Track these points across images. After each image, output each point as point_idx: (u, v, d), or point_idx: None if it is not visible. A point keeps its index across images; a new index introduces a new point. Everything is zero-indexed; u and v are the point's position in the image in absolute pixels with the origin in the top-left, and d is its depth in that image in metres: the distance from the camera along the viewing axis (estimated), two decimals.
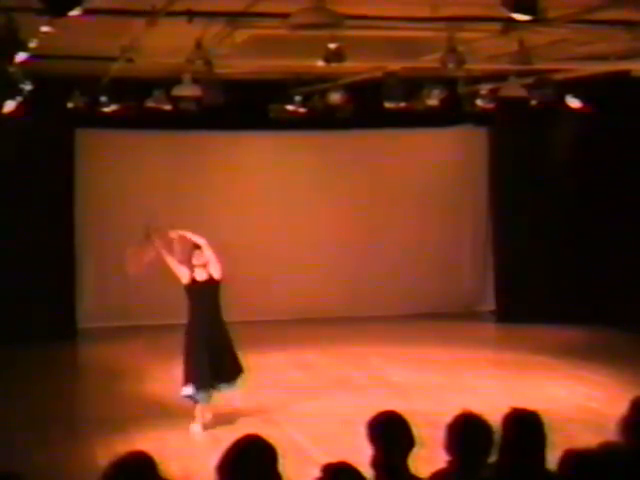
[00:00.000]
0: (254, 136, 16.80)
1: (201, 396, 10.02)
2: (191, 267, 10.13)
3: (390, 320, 16.62)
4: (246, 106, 15.08)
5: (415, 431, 4.78)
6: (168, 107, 14.00)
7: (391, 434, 4.76)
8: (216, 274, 10.12)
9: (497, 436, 4.73)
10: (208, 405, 10.20)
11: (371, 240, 17.25)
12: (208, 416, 10.18)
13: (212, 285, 10.11)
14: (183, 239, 10.31)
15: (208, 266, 10.11)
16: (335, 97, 14.07)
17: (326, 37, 9.05)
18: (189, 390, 10.00)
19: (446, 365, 13.32)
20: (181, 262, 10.16)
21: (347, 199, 17.19)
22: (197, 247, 10.15)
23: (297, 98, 14.93)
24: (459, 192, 17.56)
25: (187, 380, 10.02)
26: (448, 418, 4.85)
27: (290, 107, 15.02)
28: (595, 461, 4.26)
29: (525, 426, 4.68)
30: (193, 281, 10.09)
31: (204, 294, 10.08)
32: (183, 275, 10.13)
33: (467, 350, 14.28)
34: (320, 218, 17.15)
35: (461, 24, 9.30)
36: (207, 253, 10.11)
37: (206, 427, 10.08)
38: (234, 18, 8.95)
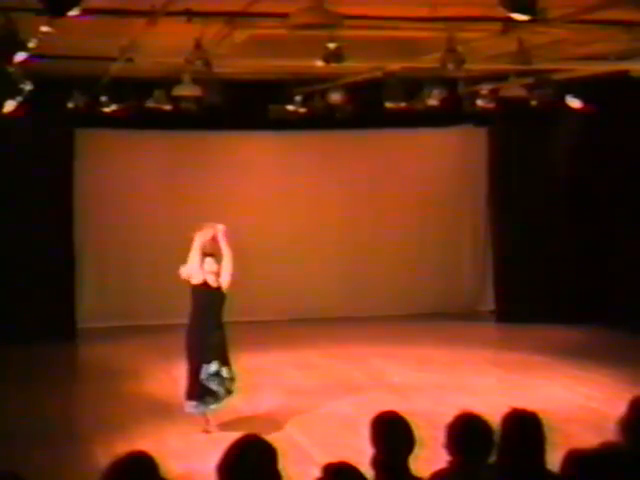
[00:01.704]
0: (254, 136, 16.81)
1: (201, 408, 9.96)
2: (202, 272, 10.00)
3: (390, 320, 16.61)
4: (246, 106, 15.09)
5: (415, 431, 4.78)
6: (168, 107, 14.00)
7: (393, 435, 4.76)
8: (224, 285, 10.01)
9: (497, 436, 4.73)
10: (213, 413, 10.09)
11: (371, 240, 17.26)
12: (213, 427, 10.06)
13: (220, 293, 10.00)
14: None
15: (219, 275, 9.98)
16: (335, 97, 14.07)
17: (325, 37, 9.04)
18: (191, 406, 9.96)
19: (446, 365, 13.32)
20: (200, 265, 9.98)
21: (347, 199, 17.20)
22: (209, 255, 10.00)
23: (297, 98, 14.94)
24: (459, 192, 17.56)
25: (189, 396, 9.98)
26: (448, 418, 4.85)
27: (290, 107, 15.03)
28: (598, 461, 4.26)
29: (524, 426, 4.68)
30: (204, 283, 9.94)
31: (211, 299, 9.95)
32: (196, 275, 9.94)
33: (467, 350, 14.28)
34: (320, 218, 17.15)
35: (461, 24, 9.30)
36: (224, 262, 9.97)
37: (208, 432, 10.04)
38: (233, 18, 8.95)
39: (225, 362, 9.87)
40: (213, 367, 9.78)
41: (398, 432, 4.76)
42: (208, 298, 9.95)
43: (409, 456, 4.72)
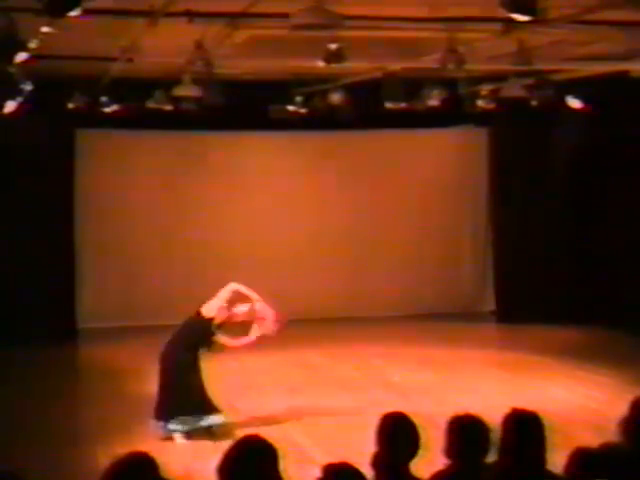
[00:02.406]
0: (254, 136, 16.80)
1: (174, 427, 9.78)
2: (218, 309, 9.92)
3: (390, 320, 16.61)
4: (246, 106, 15.08)
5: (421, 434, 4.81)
6: (168, 107, 14.00)
7: (399, 436, 4.76)
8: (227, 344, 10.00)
9: (495, 436, 4.74)
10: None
11: (371, 240, 17.25)
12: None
13: (213, 341, 9.96)
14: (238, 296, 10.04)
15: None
16: (335, 97, 14.07)
17: (326, 37, 9.05)
18: (159, 427, 9.78)
19: (446, 365, 13.32)
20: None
21: (347, 199, 17.19)
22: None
23: (298, 98, 14.94)
24: (459, 192, 17.56)
25: (158, 416, 9.80)
26: (448, 418, 4.86)
27: (291, 107, 15.04)
28: (604, 461, 4.26)
29: (525, 426, 4.68)
30: (211, 319, 9.83)
31: (204, 335, 9.88)
32: (211, 309, 9.85)
33: (467, 350, 14.28)
34: (320, 218, 17.14)
35: (461, 24, 9.30)
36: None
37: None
38: (234, 18, 8.95)
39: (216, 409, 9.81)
40: (217, 419, 9.74)
41: (405, 433, 4.77)
42: (204, 332, 9.87)
43: (412, 458, 4.73)
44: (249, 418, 10.40)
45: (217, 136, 16.62)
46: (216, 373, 12.47)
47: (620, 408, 4.96)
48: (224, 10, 8.79)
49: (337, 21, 7.39)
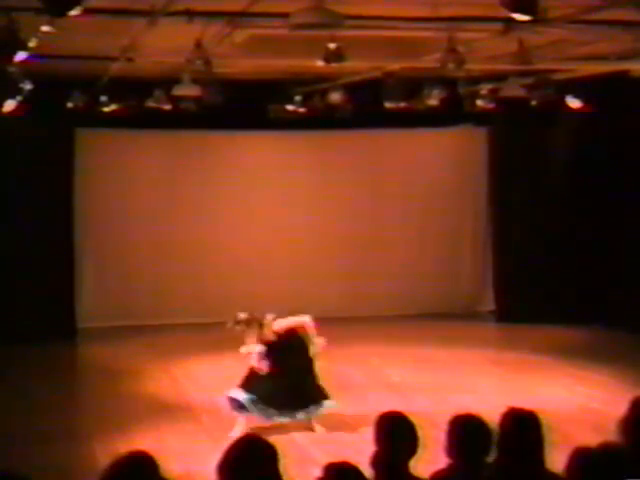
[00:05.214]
0: (254, 136, 16.79)
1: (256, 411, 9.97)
2: None
3: (390, 320, 16.60)
4: (246, 106, 15.09)
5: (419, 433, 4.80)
6: (168, 107, 13.99)
7: (398, 435, 4.76)
8: None
9: (496, 435, 4.73)
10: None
11: (371, 240, 17.24)
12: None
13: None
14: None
15: None
16: (335, 97, 14.08)
17: (326, 37, 9.05)
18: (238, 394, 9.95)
19: (446, 365, 13.32)
20: None
21: (347, 199, 17.18)
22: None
23: (297, 98, 14.94)
24: (459, 192, 17.55)
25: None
26: (448, 418, 4.86)
27: (290, 107, 15.04)
28: (603, 460, 4.26)
29: (523, 425, 4.68)
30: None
31: None
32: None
33: (467, 350, 14.27)
34: (320, 218, 17.13)
35: (461, 24, 9.30)
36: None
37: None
38: (234, 18, 8.95)
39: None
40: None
41: (403, 432, 4.77)
42: None
43: (411, 457, 4.72)
44: (250, 418, 10.39)
45: (216, 135, 16.61)
46: (216, 373, 12.50)
47: (620, 408, 4.96)
48: (224, 9, 8.79)
49: (337, 20, 7.38)
